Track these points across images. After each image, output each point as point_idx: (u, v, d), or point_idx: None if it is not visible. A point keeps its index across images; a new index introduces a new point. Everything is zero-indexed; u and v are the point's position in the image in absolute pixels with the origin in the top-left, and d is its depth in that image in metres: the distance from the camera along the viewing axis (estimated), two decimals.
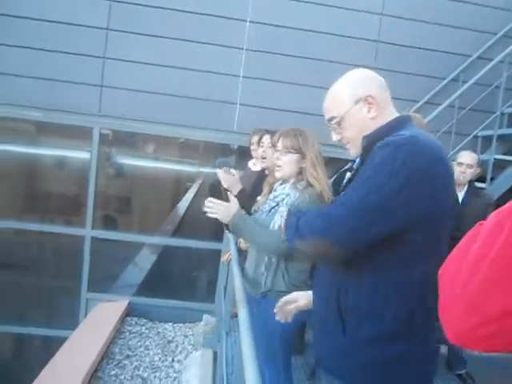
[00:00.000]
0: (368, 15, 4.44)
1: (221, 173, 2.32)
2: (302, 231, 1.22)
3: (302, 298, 1.49)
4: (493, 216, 0.65)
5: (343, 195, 1.21)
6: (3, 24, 4.15)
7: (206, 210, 1.88)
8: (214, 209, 1.86)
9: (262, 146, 2.75)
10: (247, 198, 2.27)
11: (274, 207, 1.97)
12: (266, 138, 2.74)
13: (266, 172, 2.71)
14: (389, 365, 1.16)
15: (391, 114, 1.27)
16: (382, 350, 1.15)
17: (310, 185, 1.93)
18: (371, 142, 1.19)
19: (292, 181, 1.99)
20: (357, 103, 1.24)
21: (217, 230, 4.30)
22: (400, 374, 1.16)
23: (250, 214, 2.10)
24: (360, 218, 1.11)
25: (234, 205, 1.89)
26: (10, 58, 4.19)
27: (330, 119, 1.30)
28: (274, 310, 1.52)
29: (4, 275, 4.85)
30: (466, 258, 0.62)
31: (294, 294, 1.52)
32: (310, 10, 4.37)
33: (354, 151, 1.30)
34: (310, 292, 1.44)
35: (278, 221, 1.89)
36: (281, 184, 2.04)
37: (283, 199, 1.95)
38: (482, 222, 0.67)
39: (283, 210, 1.90)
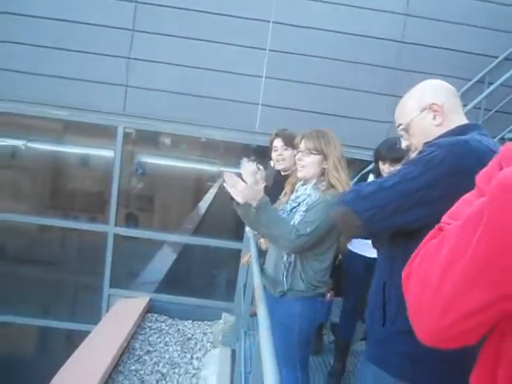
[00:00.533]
0: (392, 15, 4.39)
1: (244, 164, 2.22)
2: (335, 202, 1.35)
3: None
4: (447, 217, 0.67)
5: (380, 179, 1.24)
6: (32, 25, 4.26)
7: (228, 187, 1.81)
8: (240, 189, 1.79)
9: (276, 150, 2.71)
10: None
11: (295, 207, 1.98)
12: (278, 142, 2.66)
13: (282, 173, 2.68)
14: (418, 359, 1.16)
15: (459, 121, 1.29)
16: (415, 344, 1.16)
17: (331, 186, 1.93)
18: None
19: (314, 181, 1.99)
20: (422, 111, 1.29)
21: (237, 229, 4.32)
22: (431, 370, 1.17)
23: None
24: (386, 199, 1.16)
25: (262, 189, 1.84)
26: (37, 57, 4.29)
27: (399, 126, 1.36)
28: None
29: (29, 270, 4.98)
30: (435, 262, 0.62)
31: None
32: (334, 10, 4.35)
33: None
34: None
35: (298, 220, 1.90)
36: (302, 185, 2.05)
37: (304, 199, 1.95)
38: (441, 226, 0.67)
39: (303, 210, 1.91)
